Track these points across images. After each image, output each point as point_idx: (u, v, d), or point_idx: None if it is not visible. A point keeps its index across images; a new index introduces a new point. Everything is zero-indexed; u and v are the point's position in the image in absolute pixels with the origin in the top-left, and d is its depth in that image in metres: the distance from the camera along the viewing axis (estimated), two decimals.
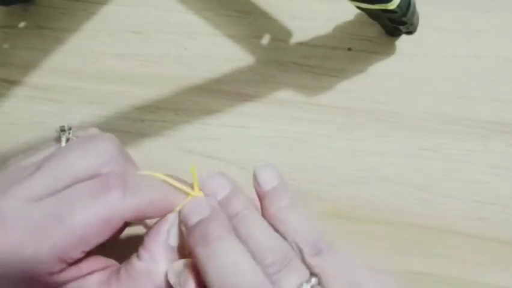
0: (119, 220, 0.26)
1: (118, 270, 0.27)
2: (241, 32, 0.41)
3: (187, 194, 0.28)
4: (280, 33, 0.41)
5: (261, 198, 0.29)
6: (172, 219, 0.27)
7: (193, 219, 0.26)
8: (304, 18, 0.41)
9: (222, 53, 0.41)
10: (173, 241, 0.27)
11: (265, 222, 0.27)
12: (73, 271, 0.26)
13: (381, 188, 0.37)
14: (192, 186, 0.28)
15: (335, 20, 0.41)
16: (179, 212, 0.27)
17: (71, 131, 0.30)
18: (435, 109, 0.38)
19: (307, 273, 0.25)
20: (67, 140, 0.30)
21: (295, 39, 0.41)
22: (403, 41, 0.40)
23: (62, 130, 0.30)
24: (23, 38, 0.43)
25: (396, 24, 0.37)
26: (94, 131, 0.32)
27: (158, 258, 0.26)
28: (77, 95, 0.41)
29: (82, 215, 0.25)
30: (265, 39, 0.41)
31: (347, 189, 0.37)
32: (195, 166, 0.28)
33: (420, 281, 0.35)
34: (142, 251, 0.27)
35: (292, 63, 0.40)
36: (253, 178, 0.29)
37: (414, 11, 0.36)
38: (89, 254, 0.26)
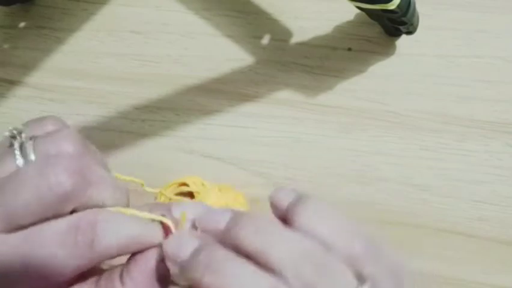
0: (89, 266, 0.25)
1: (98, 282, 0.26)
2: (241, 32, 0.41)
3: (161, 223, 0.26)
4: (280, 33, 0.41)
5: (285, 219, 0.25)
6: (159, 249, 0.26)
7: (185, 253, 0.24)
8: (304, 18, 0.41)
9: (222, 53, 0.41)
10: (159, 272, 0.25)
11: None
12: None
13: (381, 188, 0.37)
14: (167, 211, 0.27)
15: (335, 20, 0.40)
16: (164, 249, 0.25)
17: (22, 135, 0.27)
18: (435, 109, 0.38)
19: (354, 281, 0.23)
20: (21, 145, 0.26)
21: (295, 39, 0.41)
22: (403, 41, 0.40)
23: (12, 137, 0.26)
24: (23, 38, 0.43)
25: (396, 24, 0.37)
26: (51, 121, 0.29)
27: None
28: (77, 95, 0.41)
29: (51, 264, 0.24)
30: (265, 39, 0.41)
31: (347, 189, 0.37)
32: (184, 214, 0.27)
33: (420, 281, 0.35)
34: (126, 277, 0.25)
35: (292, 63, 0.40)
36: (270, 205, 0.26)
37: (414, 11, 0.36)
38: None
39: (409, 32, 0.38)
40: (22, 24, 0.43)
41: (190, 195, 0.38)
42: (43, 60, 0.42)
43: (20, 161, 0.26)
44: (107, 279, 0.26)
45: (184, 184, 0.38)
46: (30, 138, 0.26)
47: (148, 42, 0.42)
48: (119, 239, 0.25)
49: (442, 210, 0.36)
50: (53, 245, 0.24)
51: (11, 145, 0.26)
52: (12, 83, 0.42)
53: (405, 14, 0.34)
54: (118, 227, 0.25)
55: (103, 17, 0.43)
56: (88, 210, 0.25)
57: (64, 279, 0.25)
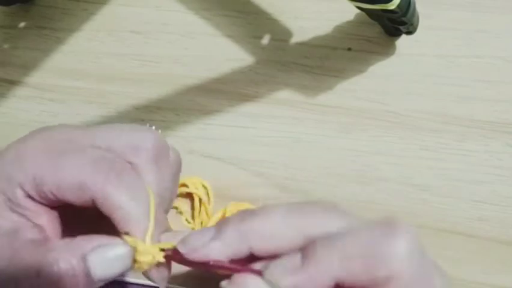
0: (88, 197, 0.26)
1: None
2: (241, 32, 0.41)
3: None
4: (280, 33, 0.41)
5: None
6: (99, 245, 0.25)
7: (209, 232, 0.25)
8: (304, 18, 0.41)
9: (222, 53, 0.41)
10: (95, 269, 0.25)
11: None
12: (32, 206, 0.27)
13: (381, 188, 0.37)
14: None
15: (335, 20, 0.40)
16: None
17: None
18: (435, 109, 0.38)
19: None
20: None
21: (295, 39, 0.41)
22: (403, 41, 0.40)
23: None
24: (23, 38, 0.43)
25: (396, 24, 0.37)
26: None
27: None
28: (77, 95, 0.41)
29: (71, 165, 0.26)
30: (265, 39, 0.41)
31: (347, 189, 0.37)
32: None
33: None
34: (50, 257, 0.25)
35: (292, 63, 0.40)
36: None
37: (414, 11, 0.36)
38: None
39: (409, 32, 0.38)
40: (22, 24, 0.43)
41: (190, 196, 0.38)
42: (43, 60, 0.42)
43: None
44: None
45: (184, 185, 0.38)
46: None
47: (148, 42, 0.42)
48: (124, 201, 0.25)
49: (442, 210, 0.36)
50: (88, 157, 0.26)
51: None
52: (12, 83, 0.42)
53: (405, 14, 0.34)
54: (132, 193, 0.26)
55: (103, 17, 0.43)
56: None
57: (66, 187, 0.26)
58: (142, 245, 0.25)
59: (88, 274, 0.25)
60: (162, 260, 0.25)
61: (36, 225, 0.27)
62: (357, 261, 0.22)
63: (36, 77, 0.42)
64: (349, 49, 0.40)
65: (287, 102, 0.39)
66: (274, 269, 0.23)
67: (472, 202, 0.36)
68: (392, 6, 0.33)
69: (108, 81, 0.41)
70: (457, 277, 0.35)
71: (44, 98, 0.41)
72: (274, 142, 0.39)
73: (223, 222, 0.25)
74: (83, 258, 0.25)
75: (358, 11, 0.38)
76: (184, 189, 0.38)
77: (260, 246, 0.24)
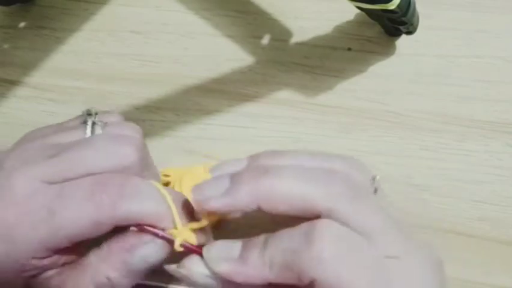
0: (107, 225, 0.26)
1: None
2: (241, 32, 0.41)
3: (173, 223, 0.27)
4: (280, 33, 0.41)
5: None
6: (133, 246, 0.27)
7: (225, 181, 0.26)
8: (304, 18, 0.41)
9: (222, 53, 0.41)
10: (137, 265, 0.27)
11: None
12: (54, 259, 0.27)
13: None
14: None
15: (335, 20, 0.41)
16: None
17: (96, 116, 0.31)
18: (435, 109, 0.38)
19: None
20: (93, 124, 0.30)
21: (295, 39, 0.41)
22: (403, 41, 0.40)
23: (89, 114, 0.31)
24: (23, 38, 0.43)
25: (396, 24, 0.37)
26: (117, 118, 0.33)
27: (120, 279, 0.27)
28: (77, 95, 0.41)
29: (72, 213, 0.26)
30: (265, 39, 0.41)
31: None
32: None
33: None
34: (99, 275, 0.27)
35: (292, 63, 0.40)
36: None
37: (414, 11, 0.36)
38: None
39: (409, 32, 0.38)
40: (22, 24, 0.43)
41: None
42: (43, 60, 0.42)
43: (89, 135, 0.30)
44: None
45: (166, 175, 0.37)
46: (101, 121, 0.30)
47: (148, 42, 0.42)
48: (142, 209, 0.26)
49: (442, 210, 0.36)
50: (80, 196, 0.26)
51: (85, 122, 0.30)
52: (12, 83, 0.42)
53: (405, 14, 0.34)
54: (144, 197, 0.26)
55: (103, 17, 0.43)
56: (119, 174, 0.27)
57: (84, 237, 0.26)
58: (176, 232, 0.27)
59: (132, 271, 0.26)
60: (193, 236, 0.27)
61: (65, 263, 0.27)
62: (283, 270, 0.24)
63: (36, 77, 0.42)
64: (349, 49, 0.40)
65: (287, 102, 0.39)
66: (214, 253, 0.26)
67: (472, 202, 0.36)
68: (392, 6, 0.33)
69: (108, 81, 0.41)
70: (457, 277, 0.35)
71: (44, 98, 0.41)
72: (274, 142, 0.39)
73: (237, 177, 0.26)
74: (125, 262, 0.26)
75: (358, 11, 0.38)
76: (166, 179, 0.37)
77: (267, 207, 0.25)
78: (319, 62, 0.40)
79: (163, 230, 0.27)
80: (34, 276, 0.27)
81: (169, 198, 0.27)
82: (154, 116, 0.40)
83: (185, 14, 0.42)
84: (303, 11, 0.41)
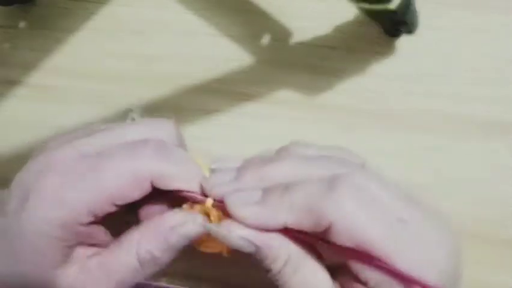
0: (146, 179, 0.27)
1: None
2: (241, 32, 0.41)
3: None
4: (280, 33, 0.41)
5: None
6: (178, 219, 0.28)
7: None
8: (304, 18, 0.41)
9: (222, 53, 0.41)
10: (178, 241, 0.28)
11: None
12: (92, 228, 0.28)
13: None
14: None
15: (335, 20, 0.41)
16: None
17: (137, 114, 0.35)
18: (435, 109, 0.38)
19: None
20: (132, 119, 0.34)
21: (295, 39, 0.41)
22: (403, 41, 0.40)
23: (130, 111, 0.36)
24: (23, 38, 0.43)
25: (396, 24, 0.37)
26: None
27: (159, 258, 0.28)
28: (77, 95, 0.41)
29: (113, 170, 0.27)
30: (265, 39, 0.41)
31: None
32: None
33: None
34: (142, 250, 0.27)
35: (292, 63, 0.40)
36: None
37: (414, 11, 0.36)
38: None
39: (409, 32, 0.38)
40: (22, 24, 0.43)
41: None
42: (43, 60, 0.42)
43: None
44: None
45: None
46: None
47: (148, 42, 0.42)
48: (180, 171, 0.28)
49: (442, 210, 0.36)
50: (122, 154, 0.27)
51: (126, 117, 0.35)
52: (12, 83, 0.42)
53: (405, 14, 0.34)
54: (178, 160, 0.28)
55: (103, 17, 0.43)
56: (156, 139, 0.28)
57: (126, 196, 0.27)
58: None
59: (174, 247, 0.28)
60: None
61: (93, 244, 0.29)
62: (302, 212, 0.25)
63: (36, 77, 0.42)
64: (349, 49, 0.40)
65: (287, 102, 0.39)
66: (235, 198, 0.27)
67: (472, 202, 0.36)
68: (392, 6, 0.33)
69: (108, 81, 0.41)
70: None
71: (44, 98, 0.41)
72: (274, 142, 0.38)
73: (243, 166, 0.29)
74: (167, 240, 0.27)
75: (358, 11, 0.38)
76: None
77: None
78: (319, 62, 0.40)
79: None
80: (72, 249, 0.28)
81: (205, 168, 0.29)
82: (154, 116, 0.40)
83: (185, 14, 0.42)
84: (303, 11, 0.41)
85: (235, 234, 0.26)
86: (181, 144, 0.31)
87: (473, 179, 0.37)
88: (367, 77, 0.40)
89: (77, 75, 0.41)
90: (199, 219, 0.28)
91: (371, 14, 0.37)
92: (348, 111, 0.39)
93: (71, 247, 0.27)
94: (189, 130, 0.40)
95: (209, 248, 0.34)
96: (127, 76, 0.41)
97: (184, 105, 0.40)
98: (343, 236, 0.24)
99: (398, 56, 0.40)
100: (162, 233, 0.27)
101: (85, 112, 0.40)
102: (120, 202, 0.27)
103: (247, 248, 0.26)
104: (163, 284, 0.37)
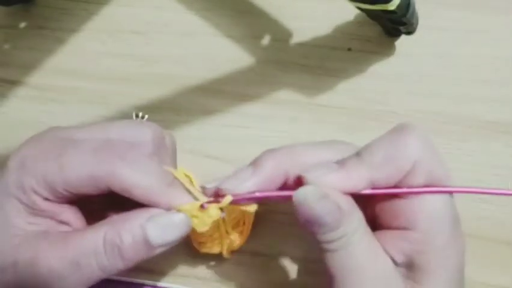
0: (103, 184, 0.27)
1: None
2: (241, 32, 0.41)
3: (196, 199, 0.28)
4: (280, 33, 0.41)
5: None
6: (154, 213, 0.28)
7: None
8: (304, 18, 0.41)
9: (222, 53, 0.41)
10: (154, 237, 0.27)
11: None
12: (53, 207, 0.28)
13: None
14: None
15: (335, 20, 0.41)
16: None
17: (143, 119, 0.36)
18: (435, 109, 0.38)
19: None
20: (136, 115, 0.37)
21: (295, 39, 0.41)
22: (403, 41, 0.40)
23: (137, 116, 0.37)
24: (23, 38, 0.43)
25: (395, 24, 0.37)
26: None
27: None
28: (77, 95, 0.41)
29: (75, 162, 0.27)
30: (265, 39, 0.41)
31: None
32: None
33: None
34: (110, 230, 0.27)
35: (292, 63, 0.40)
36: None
37: (414, 11, 0.36)
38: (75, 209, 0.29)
39: (409, 32, 0.38)
40: (22, 25, 0.43)
41: None
42: (43, 60, 0.42)
43: None
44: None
45: None
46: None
47: (148, 42, 0.42)
48: (138, 177, 0.27)
49: None
50: (89, 149, 0.28)
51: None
52: (12, 83, 0.42)
53: (405, 14, 0.34)
54: (143, 168, 0.28)
55: (103, 17, 0.43)
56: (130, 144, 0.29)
57: (78, 184, 0.27)
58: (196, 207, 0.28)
59: (147, 241, 0.27)
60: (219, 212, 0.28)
61: (64, 222, 0.29)
62: (385, 163, 0.27)
63: (36, 77, 0.42)
64: (349, 49, 0.40)
65: (287, 102, 0.39)
66: (315, 171, 0.27)
67: (472, 202, 0.36)
68: (391, 6, 0.33)
69: (108, 81, 0.41)
70: None
71: (44, 98, 0.41)
72: (274, 142, 0.38)
73: (256, 159, 0.29)
74: (142, 227, 0.27)
75: (358, 11, 0.38)
76: None
77: (293, 166, 0.28)
78: (319, 62, 0.40)
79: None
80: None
81: (181, 177, 0.29)
82: (154, 116, 0.40)
83: (186, 14, 0.42)
84: (303, 11, 0.41)
85: (331, 196, 0.26)
86: (166, 150, 0.31)
87: (473, 179, 0.37)
88: (367, 77, 0.40)
89: (77, 75, 0.41)
90: (178, 218, 0.28)
91: (371, 14, 0.37)
92: (348, 111, 0.39)
93: (35, 215, 0.28)
94: (189, 130, 0.40)
95: (209, 249, 0.34)
96: (127, 76, 0.41)
97: (184, 105, 0.40)
98: (423, 176, 0.27)
99: (398, 56, 0.40)
100: (140, 218, 0.27)
101: (85, 112, 0.40)
102: (74, 191, 0.27)
103: (333, 212, 0.26)
104: (163, 284, 0.37)
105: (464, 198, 0.36)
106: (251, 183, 0.27)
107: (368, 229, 0.27)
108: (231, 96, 0.40)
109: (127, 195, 0.27)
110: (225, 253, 0.34)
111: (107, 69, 0.41)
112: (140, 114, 0.37)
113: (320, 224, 0.26)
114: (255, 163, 0.28)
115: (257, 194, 0.27)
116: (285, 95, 0.40)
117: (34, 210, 0.28)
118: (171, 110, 0.40)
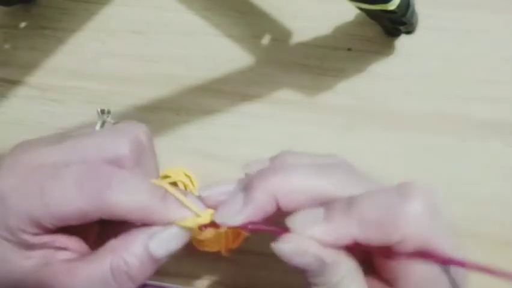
0: (92, 214, 0.26)
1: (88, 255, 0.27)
2: (241, 32, 0.41)
3: (195, 213, 0.28)
4: (280, 33, 0.41)
5: None
6: (154, 231, 0.27)
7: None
8: (304, 18, 0.41)
9: (222, 53, 0.41)
10: (158, 252, 0.27)
11: None
12: (45, 239, 0.27)
13: None
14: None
15: (335, 20, 0.41)
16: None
17: (109, 115, 0.33)
18: (435, 109, 0.38)
19: None
20: (103, 122, 0.32)
21: (295, 39, 0.41)
22: (403, 41, 0.40)
23: (102, 112, 0.33)
24: (23, 38, 0.43)
25: (395, 24, 0.37)
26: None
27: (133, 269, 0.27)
28: (77, 95, 0.41)
29: (60, 197, 0.26)
30: (265, 39, 0.41)
31: None
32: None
33: None
34: (115, 258, 0.27)
35: (292, 63, 0.40)
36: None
37: (414, 11, 0.36)
38: (67, 231, 0.27)
39: (409, 32, 0.38)
40: (23, 24, 0.44)
41: (174, 185, 0.38)
42: (44, 60, 0.42)
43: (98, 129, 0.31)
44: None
45: (167, 177, 0.37)
46: (114, 122, 0.32)
47: (148, 42, 0.42)
48: (129, 201, 0.26)
49: (442, 210, 0.36)
50: (71, 182, 0.26)
51: (99, 119, 0.33)
52: (12, 83, 0.42)
53: (404, 14, 0.34)
54: (132, 190, 0.26)
55: (103, 17, 0.43)
56: (110, 166, 0.27)
57: (65, 217, 0.26)
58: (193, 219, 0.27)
59: (152, 258, 0.27)
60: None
61: (61, 248, 0.28)
62: (373, 226, 0.25)
63: (36, 77, 0.42)
64: (349, 49, 0.40)
65: (287, 102, 0.39)
66: (300, 220, 0.26)
67: (472, 202, 0.36)
68: (391, 6, 0.33)
69: (108, 81, 0.41)
70: None
71: (44, 98, 0.41)
72: (274, 142, 0.39)
73: (248, 186, 0.27)
74: (145, 247, 0.26)
75: (358, 11, 0.38)
76: (167, 180, 0.37)
77: (285, 200, 0.26)
78: (319, 62, 0.40)
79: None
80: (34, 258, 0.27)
81: (170, 189, 0.27)
82: (154, 116, 0.40)
83: (186, 14, 0.42)
84: (303, 11, 0.41)
85: (310, 251, 0.25)
86: (146, 153, 0.30)
87: (474, 179, 0.37)
88: (367, 77, 0.40)
89: (77, 75, 0.41)
90: (176, 229, 0.27)
91: (371, 14, 0.37)
92: (348, 111, 0.39)
93: (30, 249, 0.27)
94: (189, 130, 0.40)
95: (208, 247, 0.35)
96: (127, 76, 0.41)
97: (184, 105, 0.40)
98: (413, 246, 0.24)
99: (398, 56, 0.40)
100: (141, 239, 0.26)
101: (85, 112, 0.40)
102: (63, 224, 0.26)
103: (314, 264, 0.25)
104: (163, 284, 0.37)
105: (464, 199, 0.36)
106: (243, 217, 0.26)
107: (359, 276, 0.26)
108: (231, 96, 0.40)
109: (121, 220, 0.27)
110: (223, 251, 0.34)
111: (107, 69, 0.41)
112: (106, 110, 0.33)
113: (302, 271, 0.26)
114: (246, 191, 0.27)
115: (249, 227, 0.27)
116: (285, 95, 0.40)
117: (27, 246, 0.27)
118: (171, 110, 0.40)
